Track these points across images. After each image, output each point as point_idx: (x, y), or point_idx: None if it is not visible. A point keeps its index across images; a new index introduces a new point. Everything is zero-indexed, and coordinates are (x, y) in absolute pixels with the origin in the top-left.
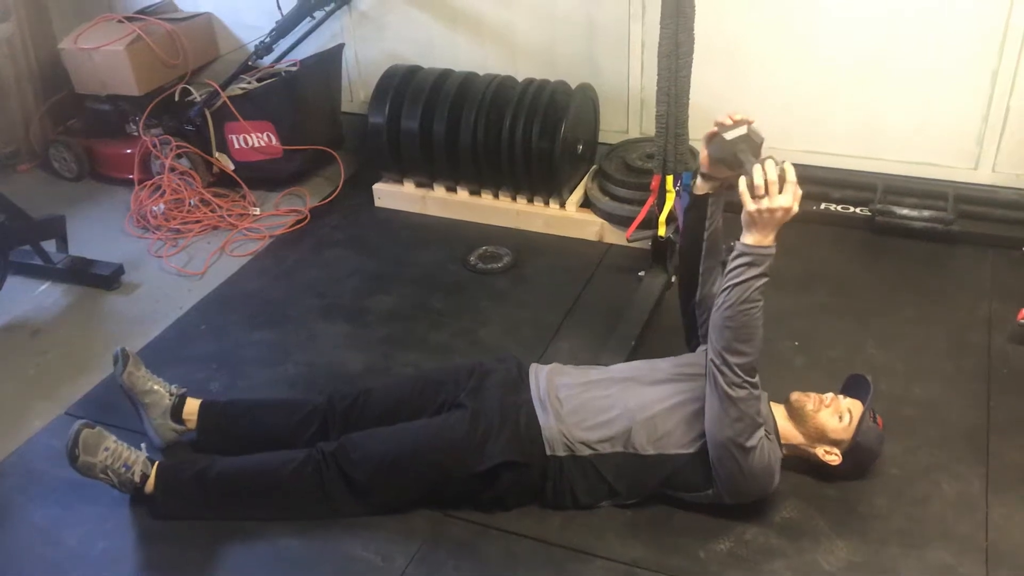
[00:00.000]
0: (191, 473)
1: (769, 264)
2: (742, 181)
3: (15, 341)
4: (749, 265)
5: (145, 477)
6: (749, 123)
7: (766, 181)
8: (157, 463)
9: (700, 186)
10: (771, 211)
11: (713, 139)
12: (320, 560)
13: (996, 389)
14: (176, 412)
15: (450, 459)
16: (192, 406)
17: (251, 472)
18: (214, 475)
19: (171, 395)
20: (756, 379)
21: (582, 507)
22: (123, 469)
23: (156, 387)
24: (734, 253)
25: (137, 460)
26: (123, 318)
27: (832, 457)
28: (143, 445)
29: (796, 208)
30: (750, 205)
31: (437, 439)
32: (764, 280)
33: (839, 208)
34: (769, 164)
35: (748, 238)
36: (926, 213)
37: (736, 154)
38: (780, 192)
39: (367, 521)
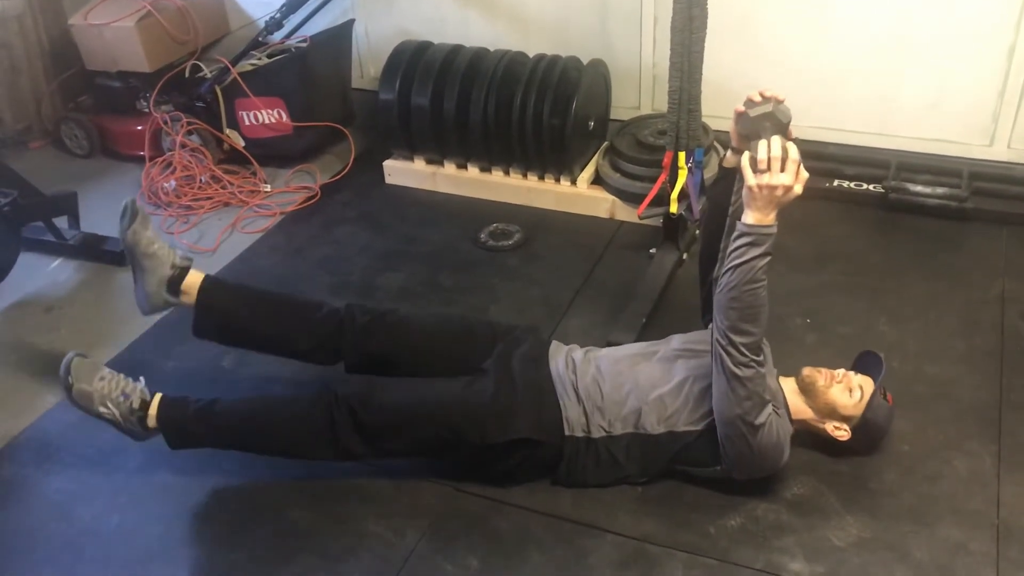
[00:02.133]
0: (194, 409)
1: (771, 243)
2: (745, 155)
3: (28, 317)
4: (751, 245)
5: (145, 404)
6: (779, 101)
7: (769, 157)
8: (159, 396)
9: (729, 159)
10: (771, 188)
11: (741, 116)
12: (333, 535)
13: (1009, 367)
14: (174, 284)
15: (469, 424)
16: (193, 279)
17: (258, 409)
18: (219, 411)
19: (173, 266)
20: (762, 357)
21: (594, 487)
22: (121, 398)
23: (160, 251)
24: (735, 233)
25: (135, 389)
26: (135, 295)
27: (841, 433)
28: (141, 378)
29: (799, 189)
30: (750, 179)
31: (460, 402)
32: (767, 259)
33: (852, 185)
34: (775, 140)
35: (749, 217)
36: (940, 190)
37: (759, 131)
38: (783, 170)
39: (379, 496)
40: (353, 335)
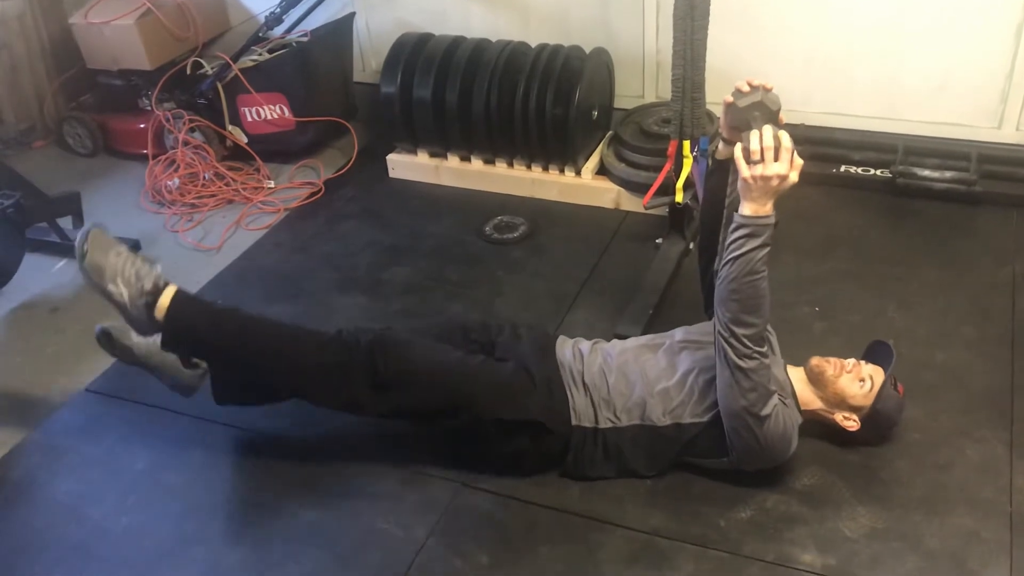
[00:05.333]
0: (208, 312)
1: (769, 234)
2: (738, 147)
3: (34, 319)
4: (749, 236)
5: (156, 290)
6: (767, 89)
7: (761, 147)
8: (174, 288)
9: (722, 151)
10: (765, 178)
11: (730, 107)
12: (341, 531)
13: (1020, 352)
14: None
15: (485, 395)
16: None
17: (276, 333)
18: (234, 326)
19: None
20: (765, 348)
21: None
22: (134, 278)
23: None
24: (733, 225)
25: (150, 273)
26: None
27: (851, 423)
28: (158, 265)
29: (795, 177)
30: (744, 171)
31: (482, 372)
32: (766, 250)
33: (859, 170)
34: (767, 130)
35: (746, 208)
36: (948, 174)
37: (749, 121)
38: (776, 160)
39: (388, 493)
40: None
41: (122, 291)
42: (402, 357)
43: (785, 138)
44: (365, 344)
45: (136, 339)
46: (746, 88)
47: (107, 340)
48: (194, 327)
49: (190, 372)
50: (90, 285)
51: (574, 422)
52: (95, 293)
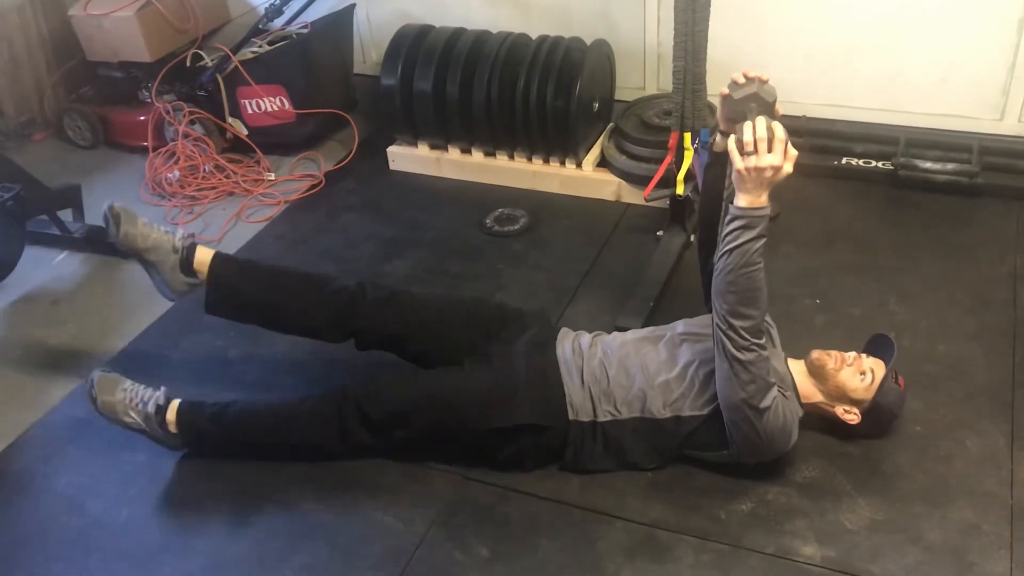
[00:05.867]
0: (208, 414)
1: (765, 225)
2: (731, 138)
3: (35, 311)
4: (744, 228)
5: (160, 409)
6: (763, 81)
7: (755, 138)
8: (176, 402)
9: (719, 143)
10: (759, 169)
11: (726, 99)
12: (342, 525)
13: (1022, 344)
14: (186, 266)
15: (473, 411)
16: (204, 256)
17: (268, 414)
18: (231, 416)
19: (176, 249)
20: (764, 340)
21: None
22: (141, 405)
23: (159, 241)
24: (728, 217)
25: (153, 395)
26: (141, 286)
27: (851, 416)
28: (162, 387)
29: (789, 168)
30: (738, 163)
31: (463, 390)
32: (762, 241)
33: (860, 162)
34: (760, 121)
35: (741, 200)
36: (950, 166)
37: (745, 113)
38: (770, 151)
39: (388, 485)
40: (364, 310)
41: (136, 420)
42: (387, 399)
43: (779, 129)
44: (350, 395)
45: (142, 227)
46: (742, 80)
47: (113, 220)
48: (201, 432)
49: (184, 279)
50: (111, 423)
51: (571, 417)
52: (116, 426)
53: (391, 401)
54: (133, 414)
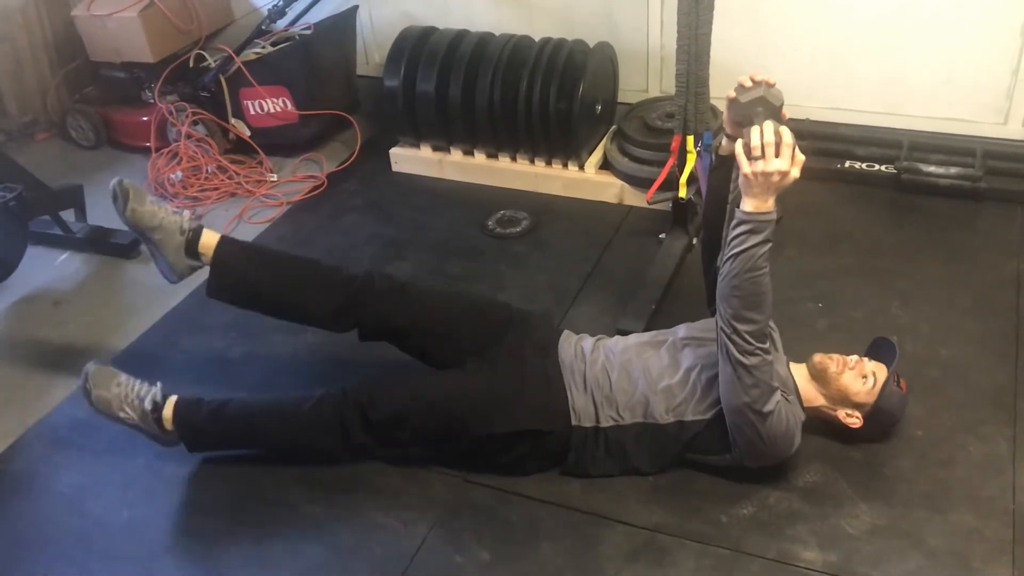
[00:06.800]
0: (207, 411)
1: (771, 230)
2: (738, 143)
3: (37, 311)
4: (750, 232)
5: (157, 407)
6: (769, 84)
7: (762, 143)
8: (174, 398)
9: (725, 147)
10: (766, 174)
11: (732, 102)
12: (343, 527)
13: None
14: (191, 247)
15: (474, 415)
16: (209, 239)
17: (268, 408)
18: (230, 413)
19: (183, 231)
20: (768, 344)
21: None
22: (136, 401)
23: (166, 221)
24: (734, 221)
25: (149, 391)
26: (143, 287)
27: (853, 420)
28: (158, 383)
29: (796, 173)
30: (745, 167)
31: (465, 394)
32: (767, 246)
33: (863, 166)
34: (768, 126)
35: (747, 204)
36: (953, 170)
37: (752, 117)
38: (777, 156)
39: (389, 488)
40: (372, 300)
41: (131, 415)
42: (388, 401)
43: (786, 134)
44: (351, 397)
45: (150, 206)
46: (749, 83)
47: (121, 196)
48: (199, 429)
49: (188, 261)
50: (104, 417)
51: (574, 422)
52: (110, 420)
53: (392, 403)
54: (128, 409)
